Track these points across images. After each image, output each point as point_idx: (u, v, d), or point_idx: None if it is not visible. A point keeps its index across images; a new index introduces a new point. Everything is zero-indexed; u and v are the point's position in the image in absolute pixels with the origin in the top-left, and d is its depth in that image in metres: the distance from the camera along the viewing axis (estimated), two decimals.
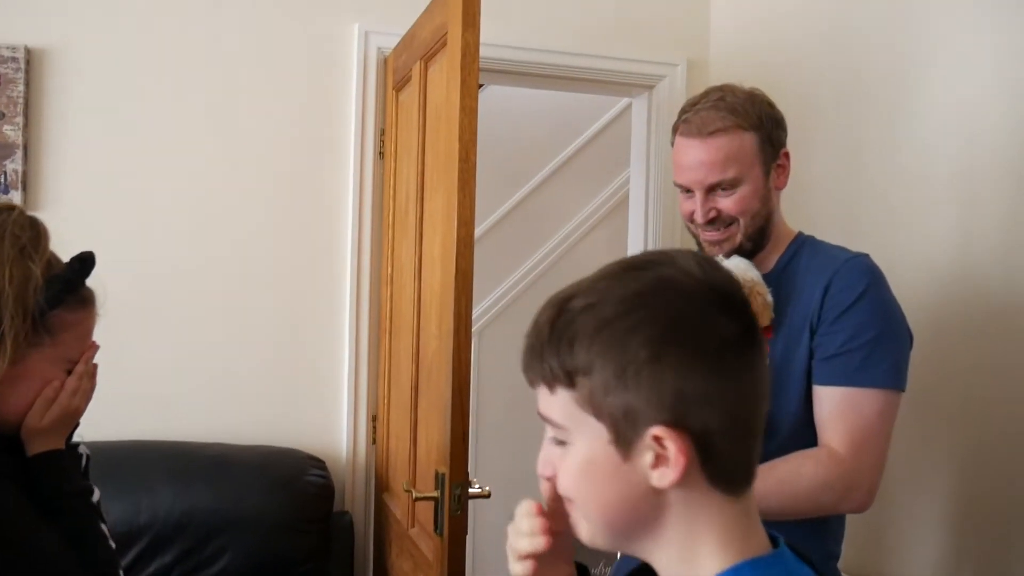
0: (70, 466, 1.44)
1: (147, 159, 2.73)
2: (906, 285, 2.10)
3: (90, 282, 1.42)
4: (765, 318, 1.69)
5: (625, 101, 4.09)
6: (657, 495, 0.90)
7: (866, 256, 1.75)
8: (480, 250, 4.02)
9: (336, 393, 2.88)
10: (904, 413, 1.72)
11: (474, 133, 2.03)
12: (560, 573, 1.05)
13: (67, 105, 2.67)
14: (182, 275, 2.76)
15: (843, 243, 1.84)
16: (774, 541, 0.95)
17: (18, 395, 1.38)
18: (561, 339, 0.91)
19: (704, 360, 0.88)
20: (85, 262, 1.40)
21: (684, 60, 3.16)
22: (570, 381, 0.90)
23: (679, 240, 3.06)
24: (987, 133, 2.12)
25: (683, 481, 0.88)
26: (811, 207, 2.60)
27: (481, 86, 3.93)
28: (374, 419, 2.89)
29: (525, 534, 1.02)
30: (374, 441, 2.90)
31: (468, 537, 2.12)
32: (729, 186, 1.73)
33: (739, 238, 1.76)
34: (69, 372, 1.42)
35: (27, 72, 2.60)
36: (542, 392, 0.94)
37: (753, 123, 1.74)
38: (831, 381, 1.66)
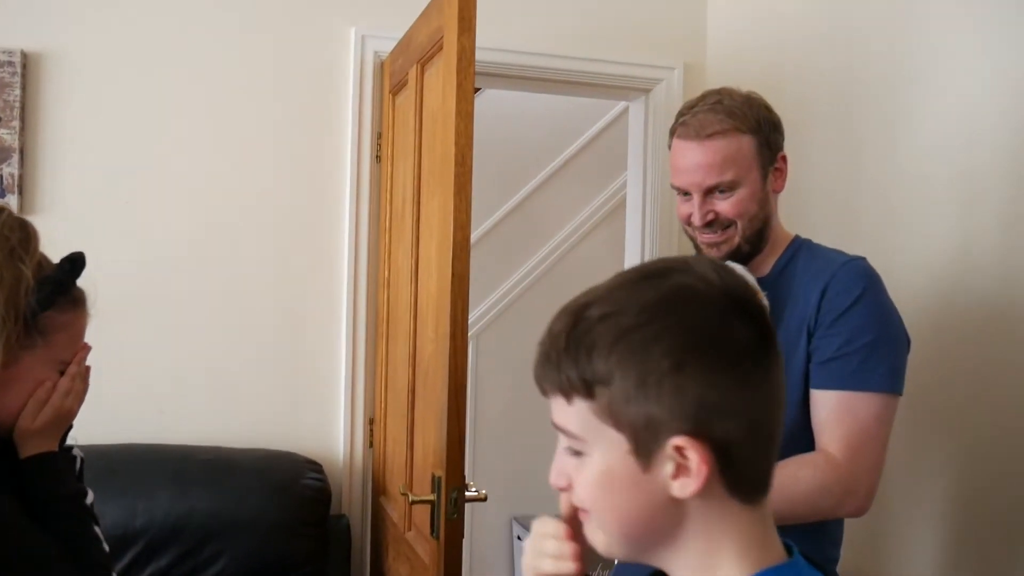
0: (63, 468, 1.44)
1: (144, 163, 2.73)
2: (904, 288, 2.10)
3: (81, 282, 1.41)
4: None
5: (622, 105, 4.09)
6: (676, 505, 0.89)
7: (863, 259, 1.75)
8: (477, 254, 4.04)
9: (333, 396, 2.87)
10: (902, 416, 1.72)
11: (470, 137, 2.03)
12: None
13: (64, 109, 2.67)
14: (179, 278, 2.75)
15: (841, 246, 1.84)
16: (788, 549, 0.95)
17: (11, 397, 1.37)
18: (579, 348, 0.89)
19: (725, 368, 0.88)
20: (75, 263, 1.39)
21: (681, 64, 3.16)
22: (588, 391, 0.89)
23: (676, 243, 3.06)
24: (986, 135, 2.12)
25: (703, 491, 0.87)
26: (808, 210, 2.60)
27: (478, 90, 3.96)
28: (371, 422, 2.89)
29: (550, 556, 1.01)
30: (371, 444, 2.89)
31: (466, 540, 2.12)
32: (727, 189, 1.74)
33: (736, 241, 1.77)
34: (62, 373, 1.42)
35: (24, 76, 2.60)
36: (557, 402, 0.93)
37: (751, 126, 1.74)
38: (828, 385, 1.66)
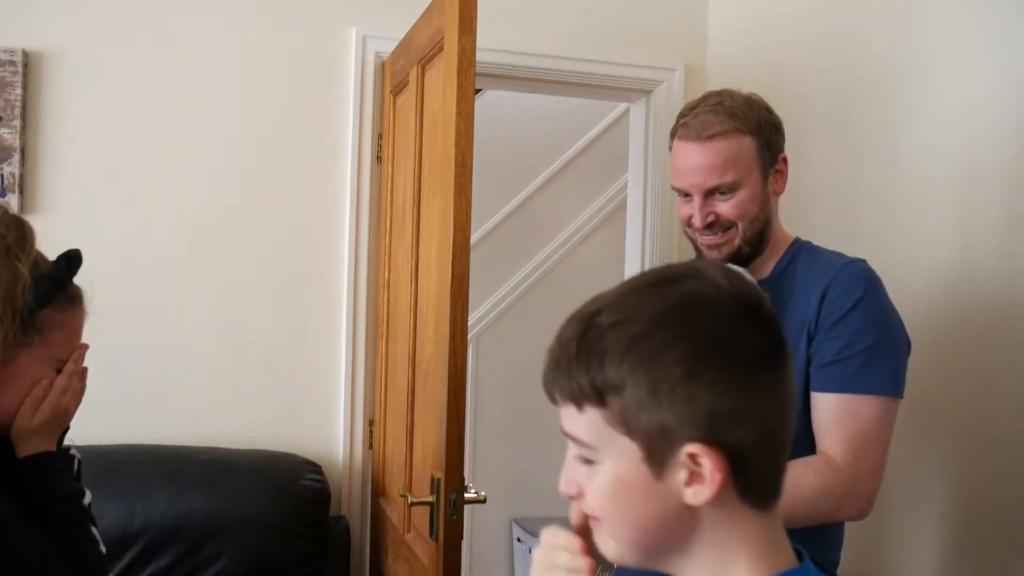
0: (61, 468, 1.43)
1: (144, 162, 2.73)
2: (905, 290, 2.10)
3: (78, 280, 1.41)
4: None
5: (623, 106, 4.09)
6: (689, 512, 0.89)
7: (863, 262, 1.75)
8: (477, 255, 4.04)
9: (333, 397, 2.87)
10: (903, 419, 1.71)
11: (470, 138, 2.03)
12: None
13: (65, 108, 2.67)
14: (179, 278, 2.75)
15: (841, 247, 1.84)
16: (798, 554, 0.95)
17: (8, 396, 1.37)
18: (590, 356, 0.89)
19: (738, 375, 0.87)
20: (72, 260, 1.39)
21: (682, 65, 3.16)
22: (600, 399, 0.88)
23: (677, 245, 3.06)
24: (986, 137, 2.11)
25: (716, 497, 0.87)
26: (809, 211, 2.60)
27: (479, 91, 3.95)
28: (371, 423, 2.88)
29: (563, 569, 1.01)
30: (371, 446, 2.89)
31: (466, 541, 2.12)
32: (728, 190, 1.73)
33: (737, 242, 1.76)
34: (59, 371, 1.41)
35: (25, 75, 2.60)
36: (568, 410, 0.92)
37: (752, 128, 1.74)
38: (828, 388, 1.65)
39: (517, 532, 4.27)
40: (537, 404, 3.95)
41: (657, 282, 0.92)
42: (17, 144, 2.58)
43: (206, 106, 2.78)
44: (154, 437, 2.67)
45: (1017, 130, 2.04)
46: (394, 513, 2.60)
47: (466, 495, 2.09)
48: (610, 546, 0.93)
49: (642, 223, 3.18)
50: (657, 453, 0.87)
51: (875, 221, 2.43)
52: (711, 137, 1.72)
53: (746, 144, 1.73)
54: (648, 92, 3.17)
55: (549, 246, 4.44)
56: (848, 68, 2.57)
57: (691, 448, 0.86)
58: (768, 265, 1.81)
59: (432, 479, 2.11)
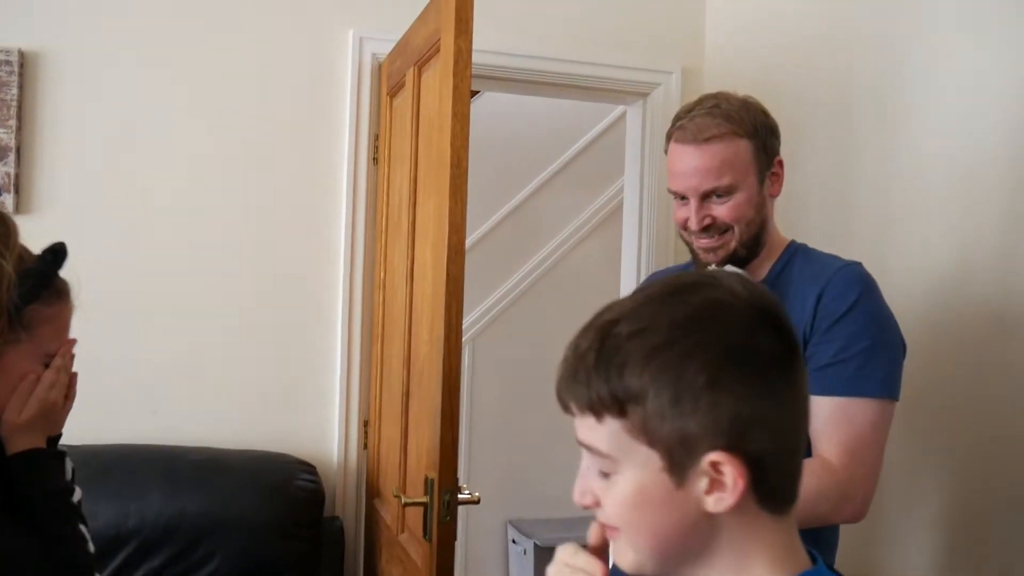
0: (51, 465, 1.40)
1: (140, 163, 2.72)
2: (901, 292, 2.10)
3: (63, 273, 1.38)
4: None
5: (620, 109, 4.09)
6: (709, 520, 0.89)
7: (859, 265, 1.75)
8: (474, 257, 4.05)
9: (328, 398, 2.87)
10: (899, 422, 1.71)
11: (466, 139, 2.03)
12: None
13: (61, 108, 2.66)
14: (175, 279, 2.75)
15: (838, 249, 1.84)
16: (811, 556, 0.96)
17: None
18: (610, 365, 0.88)
19: (757, 382, 0.88)
20: (57, 254, 1.36)
21: (679, 68, 3.16)
22: (620, 409, 0.88)
23: (673, 248, 3.06)
24: (984, 139, 2.12)
25: (736, 504, 0.88)
26: (807, 215, 2.60)
27: (476, 93, 3.96)
28: (365, 424, 2.88)
29: None
30: (365, 446, 2.89)
31: (461, 542, 2.12)
32: (724, 193, 1.73)
33: (733, 245, 1.76)
34: (47, 366, 1.39)
35: (21, 75, 2.60)
36: (586, 421, 0.92)
37: (748, 131, 1.74)
38: (824, 391, 1.65)
39: (512, 534, 4.27)
40: (533, 406, 3.98)
41: (674, 291, 0.92)
42: (13, 144, 2.58)
43: (203, 107, 2.77)
44: (148, 437, 2.67)
45: (1016, 131, 2.04)
46: (388, 514, 2.60)
47: (460, 496, 2.09)
48: (629, 556, 0.93)
49: (638, 226, 3.18)
50: (678, 462, 0.88)
51: (872, 223, 2.44)
52: (707, 140, 1.72)
53: (742, 147, 1.73)
54: (645, 95, 3.17)
55: (545, 248, 4.44)
56: (845, 70, 2.57)
57: (713, 456, 0.86)
58: (764, 268, 1.81)
59: (426, 480, 2.11)
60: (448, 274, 2.03)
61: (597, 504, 0.93)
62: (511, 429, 4.29)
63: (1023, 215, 2.02)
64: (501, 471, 4.27)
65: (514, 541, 4.26)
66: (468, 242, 3.18)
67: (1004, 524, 2.03)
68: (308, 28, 2.85)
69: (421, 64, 2.39)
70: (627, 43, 3.12)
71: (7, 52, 2.58)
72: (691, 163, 1.73)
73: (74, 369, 1.46)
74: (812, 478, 1.59)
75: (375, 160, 2.88)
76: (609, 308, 0.93)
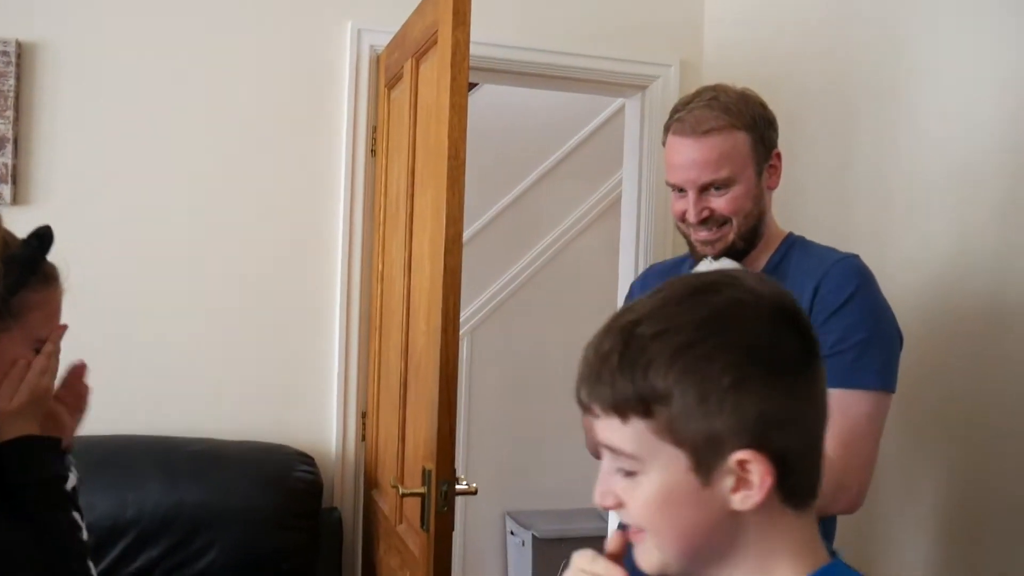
0: (43, 451, 1.38)
1: (139, 154, 2.72)
2: (899, 284, 2.10)
3: (51, 257, 1.36)
4: None
5: (619, 102, 4.09)
6: (734, 518, 0.90)
7: (856, 257, 1.75)
8: (473, 249, 4.05)
9: (326, 389, 2.87)
10: (895, 414, 1.72)
11: (463, 131, 2.03)
12: None
13: (58, 99, 2.66)
14: (172, 270, 2.75)
15: (836, 242, 1.84)
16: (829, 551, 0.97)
17: None
18: (635, 366, 0.89)
19: (781, 380, 0.89)
20: (43, 238, 1.34)
21: (677, 61, 3.16)
22: (646, 409, 0.89)
23: (671, 241, 3.06)
24: (982, 132, 2.11)
25: (761, 502, 0.89)
26: (805, 207, 2.60)
27: (475, 85, 3.96)
28: (363, 415, 2.89)
29: None
30: (363, 437, 2.89)
31: (459, 534, 2.12)
32: (722, 185, 1.73)
33: (731, 238, 1.76)
34: (38, 352, 1.37)
35: (18, 66, 2.59)
36: (610, 422, 0.92)
37: (746, 123, 1.74)
38: None
39: (510, 525, 4.28)
40: (532, 398, 3.99)
41: (696, 291, 0.93)
42: (10, 135, 2.58)
43: (201, 99, 2.77)
44: (147, 428, 2.67)
45: (1014, 124, 2.04)
46: (386, 505, 2.61)
47: (457, 487, 2.09)
48: (654, 557, 0.93)
49: (637, 219, 3.18)
50: (705, 461, 0.88)
51: (870, 216, 2.44)
52: (706, 132, 1.72)
53: (740, 139, 1.73)
54: (643, 88, 3.17)
55: (544, 241, 4.45)
56: (844, 62, 2.57)
57: (740, 455, 0.87)
58: (761, 260, 1.81)
59: (423, 471, 2.11)
60: (445, 266, 2.03)
61: (620, 505, 0.94)
62: (510, 421, 4.29)
63: (1022, 207, 2.02)
64: (500, 463, 4.28)
65: (512, 532, 4.27)
66: (466, 235, 3.18)
67: (1000, 516, 2.04)
68: (306, 20, 2.85)
69: (419, 56, 2.39)
70: (625, 36, 3.12)
71: (4, 43, 2.57)
72: (689, 155, 1.73)
73: (73, 359, 1.45)
74: None
75: (373, 152, 2.88)
76: (629, 309, 0.94)
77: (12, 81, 2.58)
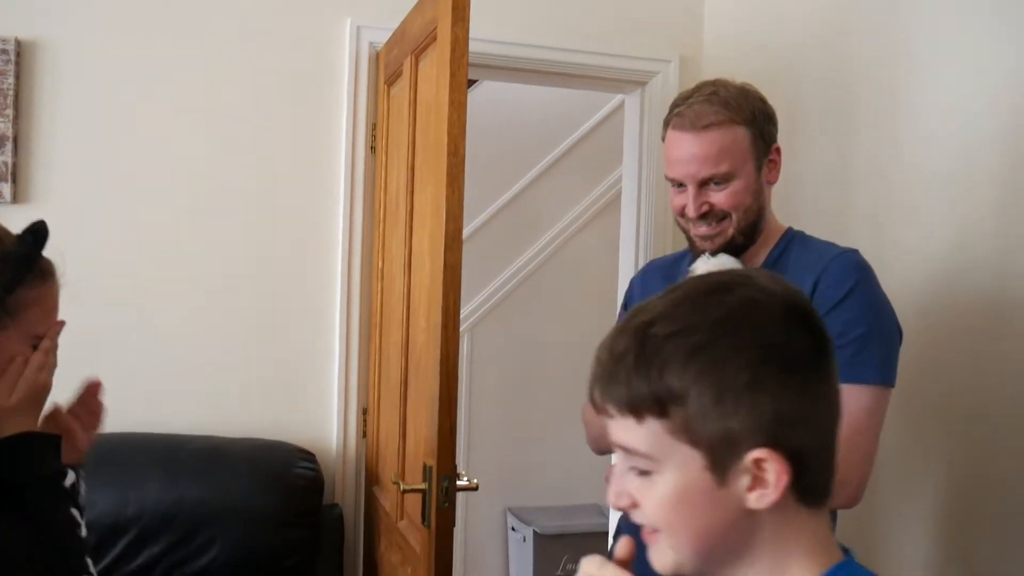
0: (41, 448, 1.37)
1: (138, 152, 2.72)
2: (899, 279, 2.10)
3: (47, 252, 1.35)
4: None
5: (619, 98, 4.09)
6: (749, 517, 0.90)
7: (855, 252, 1.75)
8: (473, 246, 4.06)
9: (326, 386, 2.87)
10: (894, 408, 1.72)
11: (463, 127, 2.03)
12: None
13: (58, 97, 2.66)
14: (172, 268, 2.75)
15: (835, 237, 1.84)
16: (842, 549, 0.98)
17: None
18: (650, 366, 0.89)
19: (797, 380, 0.90)
20: (38, 234, 1.32)
21: (677, 56, 3.16)
22: (662, 409, 0.89)
23: (671, 237, 3.06)
24: (982, 127, 2.11)
25: (777, 500, 0.89)
26: (805, 202, 2.60)
27: (474, 82, 3.96)
28: (364, 412, 2.89)
29: None
30: (364, 434, 2.89)
31: (461, 530, 2.12)
32: (722, 180, 1.73)
33: (731, 233, 1.76)
34: (36, 348, 1.36)
35: (17, 64, 2.59)
36: (625, 422, 0.92)
37: (746, 118, 1.74)
38: None
39: (512, 521, 4.28)
40: (532, 394, 3.98)
41: (709, 291, 0.93)
42: (10, 133, 2.58)
43: (200, 95, 2.77)
44: (147, 425, 2.67)
45: (1014, 119, 2.04)
46: (387, 501, 2.61)
47: (458, 483, 2.09)
48: (668, 557, 0.94)
49: (636, 215, 3.18)
50: (721, 461, 0.88)
51: (870, 210, 2.44)
52: (705, 127, 1.72)
53: (740, 134, 1.73)
54: (643, 84, 3.17)
55: (544, 237, 4.45)
56: (844, 58, 2.57)
57: (757, 454, 0.88)
58: (760, 255, 1.81)
59: (424, 467, 2.11)
60: (445, 262, 2.03)
61: (634, 506, 0.94)
62: (511, 417, 4.30)
63: (1021, 201, 2.02)
64: (501, 459, 4.29)
65: (513, 529, 4.27)
66: (466, 231, 3.18)
67: (999, 512, 2.04)
68: (306, 17, 2.85)
69: (418, 53, 2.39)
70: (625, 31, 3.12)
71: (4, 41, 2.57)
72: (689, 150, 1.73)
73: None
74: None
75: (373, 149, 2.88)
76: (642, 310, 0.94)
77: (12, 79, 2.58)
